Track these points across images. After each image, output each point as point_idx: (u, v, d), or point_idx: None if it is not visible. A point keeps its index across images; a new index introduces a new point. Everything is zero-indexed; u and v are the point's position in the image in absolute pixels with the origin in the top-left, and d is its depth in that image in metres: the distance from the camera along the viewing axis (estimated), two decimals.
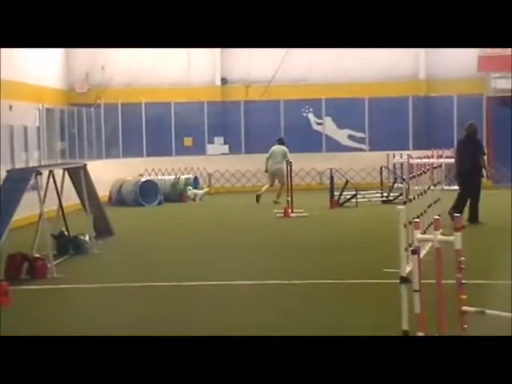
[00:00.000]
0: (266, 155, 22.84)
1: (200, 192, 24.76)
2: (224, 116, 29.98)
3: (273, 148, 22.96)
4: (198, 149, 29.29)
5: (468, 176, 15.73)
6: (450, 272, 6.33)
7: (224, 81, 30.88)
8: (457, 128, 28.99)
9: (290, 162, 20.56)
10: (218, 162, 28.68)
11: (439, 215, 10.81)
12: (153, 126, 29.02)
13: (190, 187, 24.41)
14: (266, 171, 22.78)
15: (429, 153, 24.10)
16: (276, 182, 22.52)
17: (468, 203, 15.89)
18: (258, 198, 22.27)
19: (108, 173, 23.67)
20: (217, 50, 30.46)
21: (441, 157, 24.85)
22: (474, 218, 15.79)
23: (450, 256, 6.36)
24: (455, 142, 28.62)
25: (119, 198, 22.92)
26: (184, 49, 29.53)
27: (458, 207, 15.54)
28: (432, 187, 13.10)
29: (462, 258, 6.23)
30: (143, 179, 23.76)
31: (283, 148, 22.72)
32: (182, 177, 25.06)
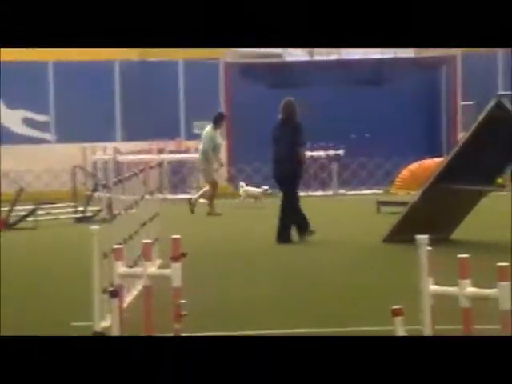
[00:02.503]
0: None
1: None
2: None
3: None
4: None
5: (285, 174, 12.64)
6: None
7: None
8: (185, 108, 22.82)
9: None
10: None
11: (156, 238, 8.94)
12: None
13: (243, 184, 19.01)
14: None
15: (146, 145, 20.45)
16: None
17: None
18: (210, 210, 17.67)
19: None
20: None
21: (162, 151, 20.33)
22: (302, 228, 12.66)
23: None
24: (182, 126, 22.38)
25: None
26: None
27: (282, 220, 12.53)
28: (147, 196, 10.71)
29: (183, 301, 4.59)
30: None
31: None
32: None
